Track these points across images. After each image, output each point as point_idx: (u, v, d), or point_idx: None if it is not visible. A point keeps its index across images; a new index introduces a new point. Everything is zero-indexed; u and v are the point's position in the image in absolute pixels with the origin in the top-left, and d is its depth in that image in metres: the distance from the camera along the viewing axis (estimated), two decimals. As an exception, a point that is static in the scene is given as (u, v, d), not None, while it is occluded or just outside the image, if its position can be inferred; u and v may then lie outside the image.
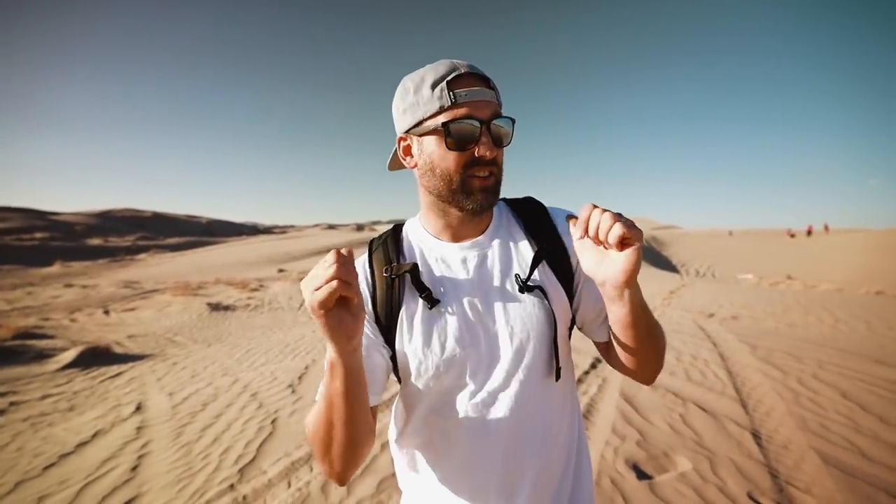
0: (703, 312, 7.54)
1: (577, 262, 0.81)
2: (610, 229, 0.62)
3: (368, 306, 0.80)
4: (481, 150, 0.72)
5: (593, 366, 4.49)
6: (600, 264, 0.66)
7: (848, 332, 6.06)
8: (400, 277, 0.78)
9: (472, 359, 0.77)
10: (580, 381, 4.03)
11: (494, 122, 0.73)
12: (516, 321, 0.77)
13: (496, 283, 0.79)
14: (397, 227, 0.88)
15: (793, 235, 34.15)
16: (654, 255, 24.51)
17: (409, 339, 0.78)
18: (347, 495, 2.39)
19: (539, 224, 0.84)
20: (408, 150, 0.80)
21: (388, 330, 0.79)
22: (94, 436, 3.23)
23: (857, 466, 2.53)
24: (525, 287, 0.77)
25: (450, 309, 0.77)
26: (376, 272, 0.81)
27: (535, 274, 0.80)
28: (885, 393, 3.58)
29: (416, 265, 0.78)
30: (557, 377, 0.79)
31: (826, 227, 36.37)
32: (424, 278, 0.79)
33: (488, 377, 0.77)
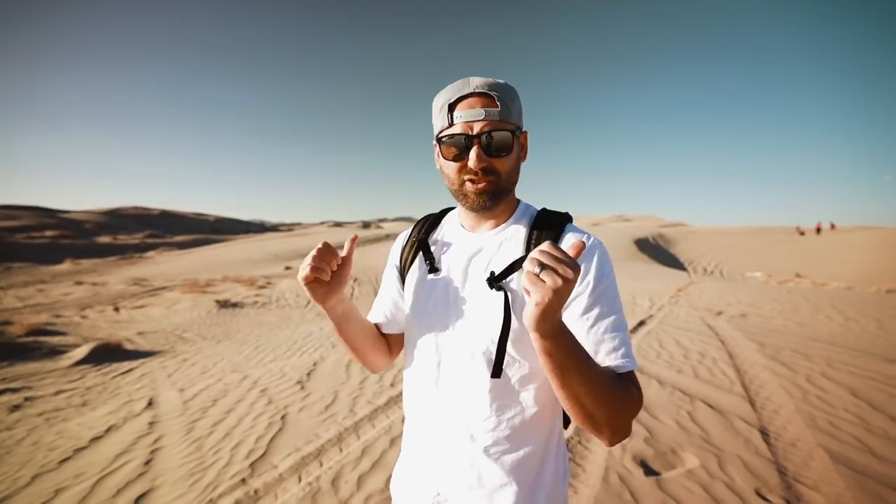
0: (711, 310, 7.50)
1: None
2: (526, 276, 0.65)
3: (398, 259, 1.06)
4: (469, 162, 0.85)
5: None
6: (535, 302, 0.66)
7: (858, 330, 6.00)
8: (417, 244, 1.01)
9: (438, 329, 0.93)
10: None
11: (488, 135, 0.84)
12: (474, 313, 0.88)
13: (478, 274, 0.90)
14: (446, 210, 1.08)
15: (802, 233, 33.81)
16: (661, 253, 24.37)
17: (409, 289, 0.99)
18: (357, 490, 2.42)
19: (542, 236, 0.89)
20: (436, 154, 0.95)
21: (403, 279, 1.03)
22: (108, 430, 3.29)
23: (866, 465, 2.53)
24: (493, 283, 0.85)
25: (440, 280, 0.94)
26: (410, 237, 1.05)
27: (512, 277, 0.85)
28: (896, 391, 3.56)
29: (425, 239, 1.00)
30: (495, 375, 0.84)
31: (832, 225, 35.96)
32: (435, 251, 0.99)
33: (445, 351, 0.92)
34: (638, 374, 4.11)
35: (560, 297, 0.63)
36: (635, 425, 3.06)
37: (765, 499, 2.26)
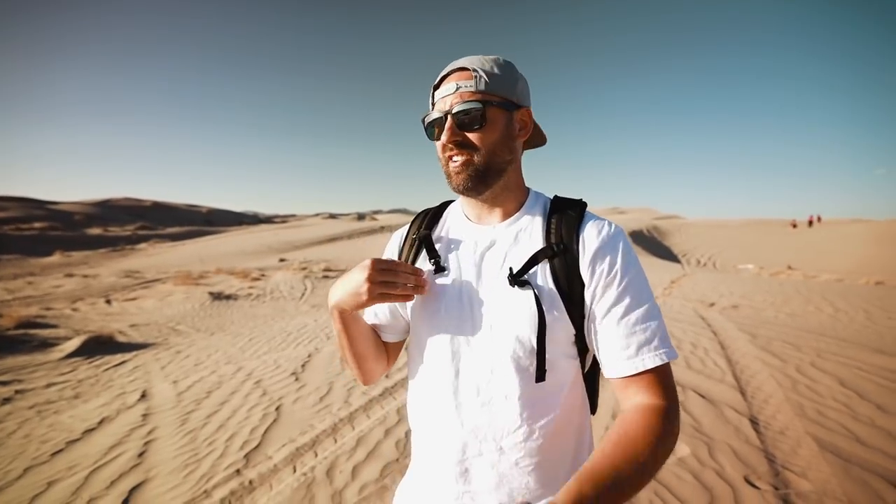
0: (703, 302, 7.57)
1: (592, 285, 0.77)
2: None
3: (396, 257, 0.96)
4: (443, 137, 0.82)
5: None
6: None
7: (847, 321, 6.09)
8: (420, 240, 0.91)
9: (452, 333, 0.83)
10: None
11: (456, 109, 0.80)
12: (499, 313, 0.79)
13: (494, 270, 0.82)
14: (446, 203, 1.00)
15: (795, 226, 34.14)
16: (655, 245, 24.50)
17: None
18: (352, 479, 2.43)
19: (562, 225, 0.82)
20: None
21: None
22: (101, 423, 3.27)
23: (852, 452, 2.57)
24: (514, 281, 0.78)
25: (450, 280, 0.85)
26: (410, 234, 0.96)
27: (534, 271, 0.79)
28: (883, 381, 3.62)
29: (429, 234, 0.91)
30: (539, 378, 0.77)
31: (818, 218, 36.36)
32: (440, 248, 0.90)
33: (463, 358, 0.82)
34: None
35: None
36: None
37: (753, 486, 2.30)
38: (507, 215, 0.86)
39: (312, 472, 2.52)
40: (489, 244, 0.85)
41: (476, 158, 0.80)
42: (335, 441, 2.87)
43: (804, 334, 5.19)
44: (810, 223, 34.32)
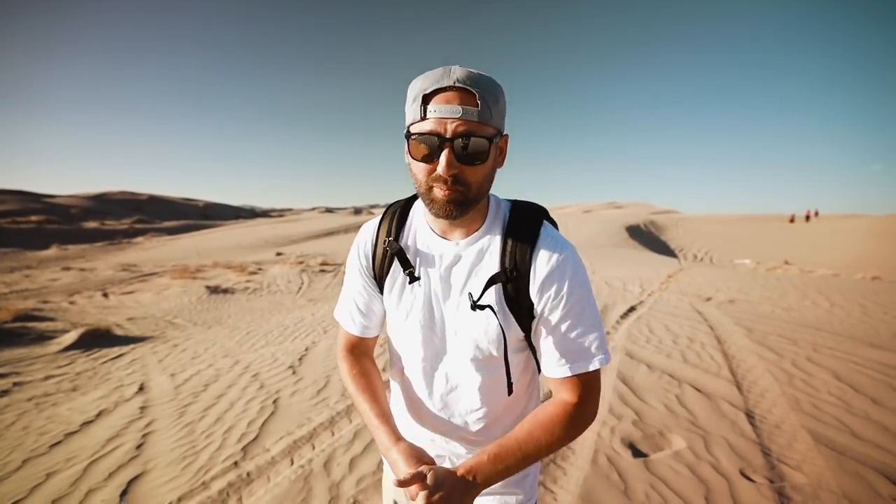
0: (700, 296, 7.59)
1: (540, 306, 0.87)
2: None
3: (369, 262, 0.98)
4: (439, 167, 0.77)
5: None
6: None
7: (843, 315, 6.12)
8: (392, 252, 0.94)
9: (424, 335, 0.94)
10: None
11: (463, 138, 0.76)
12: (462, 326, 0.90)
13: (458, 286, 0.90)
14: (409, 202, 0.99)
15: (792, 220, 34.22)
16: (652, 240, 24.53)
17: (390, 298, 0.96)
18: (349, 472, 2.45)
19: (517, 250, 0.87)
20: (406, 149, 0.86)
21: (380, 285, 0.98)
22: (99, 415, 3.27)
23: (847, 445, 2.60)
24: (475, 306, 0.85)
25: (422, 291, 0.93)
26: (380, 238, 0.97)
27: (490, 291, 0.87)
28: (878, 375, 3.64)
29: (401, 249, 0.92)
30: (509, 392, 0.89)
31: (816, 213, 36.47)
32: (409, 256, 0.93)
33: (435, 356, 0.95)
34: (628, 359, 4.17)
35: None
36: (624, 409, 3.11)
37: (749, 479, 2.31)
38: (469, 233, 0.90)
39: (310, 464, 2.53)
40: (454, 260, 0.90)
41: (467, 194, 0.80)
42: (332, 434, 2.88)
43: (800, 329, 5.22)
44: (807, 218, 34.41)
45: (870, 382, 3.50)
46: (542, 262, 0.85)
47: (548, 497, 2.22)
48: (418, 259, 0.93)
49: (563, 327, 0.86)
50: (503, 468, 0.82)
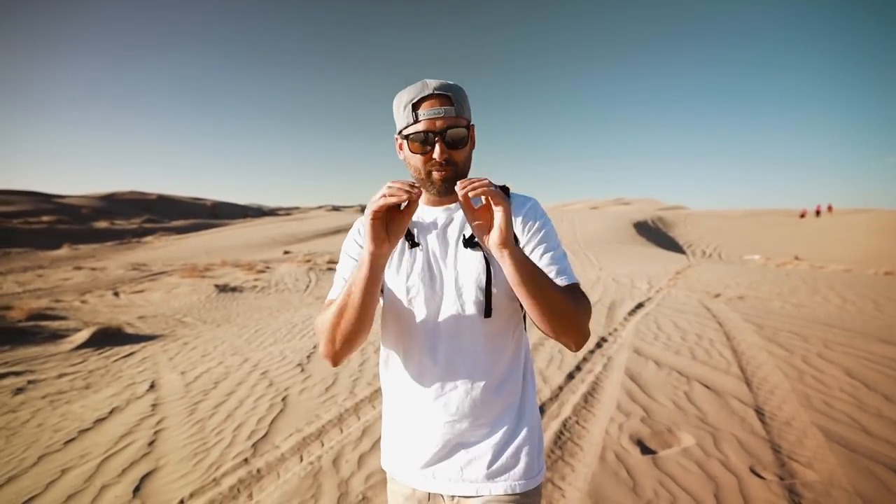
0: (709, 293, 7.53)
1: (524, 238, 1.06)
2: (477, 188, 0.86)
3: None
4: (434, 154, 0.98)
5: (598, 345, 4.54)
6: (485, 233, 0.90)
7: (855, 312, 6.05)
8: None
9: (426, 293, 1.03)
10: (585, 359, 4.07)
11: (448, 131, 0.98)
12: (460, 269, 1.04)
13: (453, 240, 1.06)
14: None
15: (803, 215, 33.76)
16: (659, 236, 24.35)
17: (391, 265, 1.06)
18: (358, 469, 2.46)
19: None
20: (399, 146, 1.06)
21: None
22: (111, 412, 3.32)
23: (859, 442, 2.57)
24: (467, 243, 1.03)
25: (420, 253, 1.06)
26: None
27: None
28: (891, 372, 3.60)
29: None
30: (487, 315, 1.01)
31: (829, 208, 35.91)
32: (410, 226, 1.08)
33: (437, 310, 1.03)
34: (636, 356, 4.15)
35: (511, 215, 0.88)
36: (633, 406, 3.10)
37: (759, 476, 2.30)
38: (455, 199, 1.06)
39: (319, 461, 2.55)
40: (447, 222, 1.07)
41: (457, 171, 1.01)
42: (341, 431, 2.90)
43: (811, 325, 5.17)
44: (818, 213, 33.94)
45: (882, 379, 3.46)
46: (520, 206, 1.10)
47: (556, 494, 2.22)
48: (416, 230, 1.08)
49: (543, 249, 1.03)
50: (526, 259, 0.90)
